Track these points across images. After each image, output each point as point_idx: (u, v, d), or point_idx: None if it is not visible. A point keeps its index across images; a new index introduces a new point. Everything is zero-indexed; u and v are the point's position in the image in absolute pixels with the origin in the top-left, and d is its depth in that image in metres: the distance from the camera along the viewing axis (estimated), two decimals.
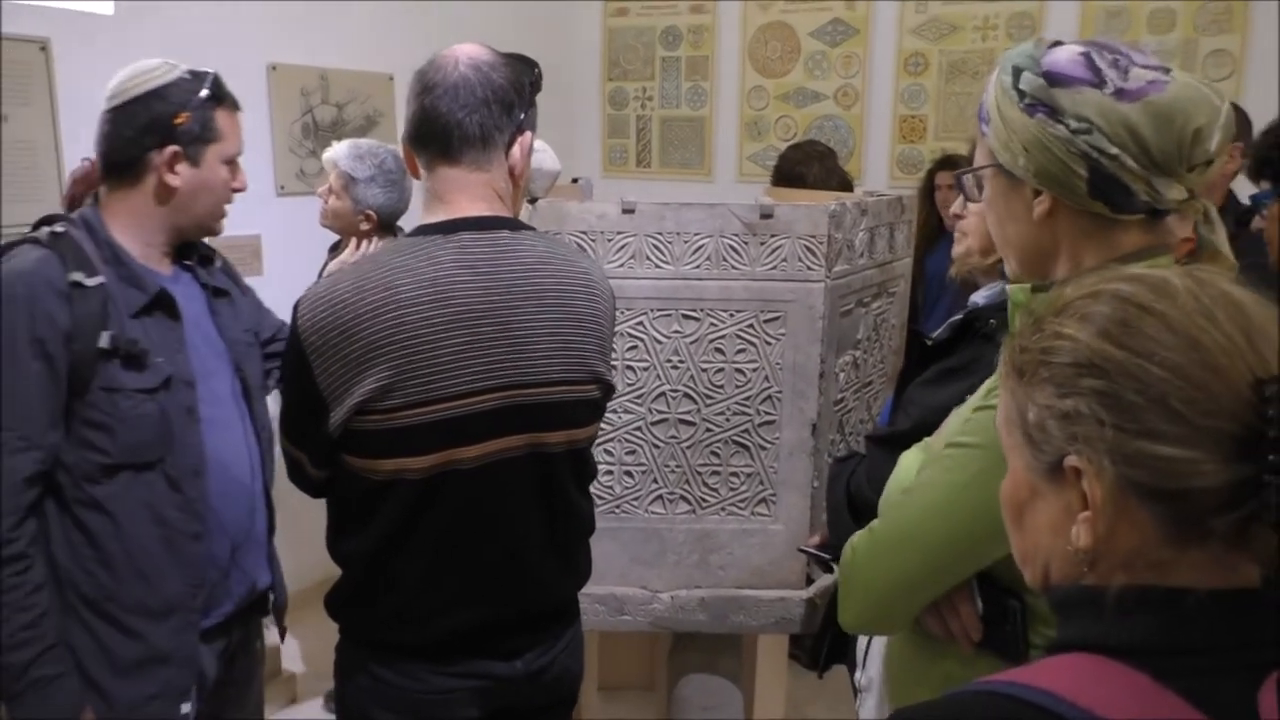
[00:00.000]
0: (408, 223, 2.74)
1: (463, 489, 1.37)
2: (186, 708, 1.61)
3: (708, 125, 5.03)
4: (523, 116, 1.41)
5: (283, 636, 1.89)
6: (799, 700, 3.10)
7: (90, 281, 1.49)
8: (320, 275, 2.70)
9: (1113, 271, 0.78)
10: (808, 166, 3.28)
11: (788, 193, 3.05)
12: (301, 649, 3.43)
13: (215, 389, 1.65)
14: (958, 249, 1.64)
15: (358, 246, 2.59)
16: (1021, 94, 1.09)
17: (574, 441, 1.45)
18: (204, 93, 1.58)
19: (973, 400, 1.21)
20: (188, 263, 1.71)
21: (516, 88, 1.39)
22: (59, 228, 1.54)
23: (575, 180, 3.03)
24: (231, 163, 1.65)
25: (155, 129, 1.55)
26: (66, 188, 2.23)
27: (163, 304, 1.58)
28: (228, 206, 1.70)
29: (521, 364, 1.36)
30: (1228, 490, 0.67)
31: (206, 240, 1.77)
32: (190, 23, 3.19)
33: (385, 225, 2.65)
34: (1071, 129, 1.06)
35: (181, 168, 1.57)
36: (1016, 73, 1.10)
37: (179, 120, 1.55)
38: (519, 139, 1.40)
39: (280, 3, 3.53)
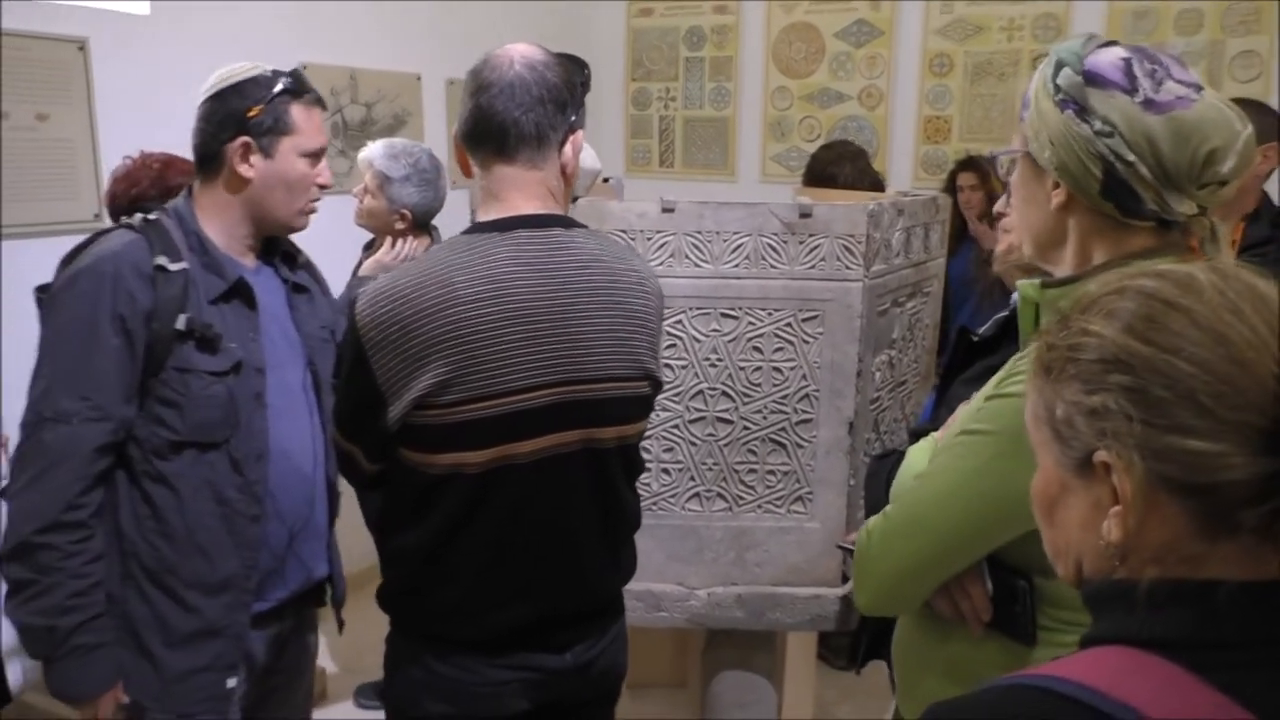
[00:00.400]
0: (440, 222, 2.77)
1: (518, 484, 1.38)
2: (233, 682, 1.65)
3: (731, 126, 5.04)
4: (574, 116, 1.42)
5: (341, 629, 1.92)
6: (827, 701, 3.11)
7: (173, 266, 1.54)
8: (354, 274, 2.72)
9: (1138, 268, 0.79)
10: (839, 167, 3.28)
11: (819, 193, 3.05)
12: (329, 645, 3.45)
13: (286, 380, 1.69)
14: (1000, 246, 1.65)
15: (392, 245, 2.62)
16: (1058, 88, 1.14)
17: (625, 437, 1.46)
18: (278, 87, 1.61)
19: (985, 389, 1.24)
20: (273, 259, 1.75)
21: (569, 87, 1.40)
22: (152, 215, 1.61)
23: (606, 180, 3.04)
24: (312, 157, 1.67)
25: (230, 122, 1.59)
26: (107, 185, 2.27)
27: (240, 292, 1.62)
28: (315, 204, 1.72)
29: (575, 360, 1.37)
30: (1257, 483, 0.68)
31: None
32: (223, 22, 3.22)
33: (420, 224, 2.67)
34: (1095, 130, 1.10)
35: (255, 159, 1.61)
36: (1059, 67, 1.15)
37: (252, 113, 1.59)
38: (571, 138, 1.42)
39: (311, 3, 3.56)
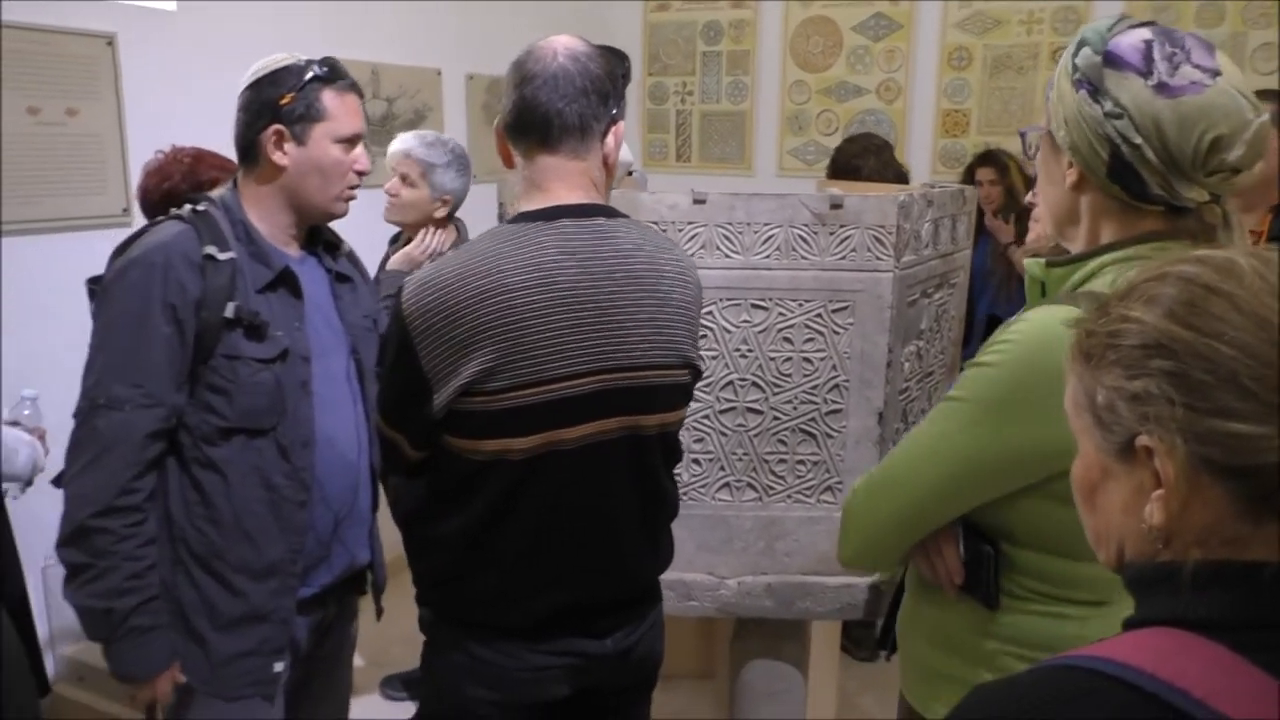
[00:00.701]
0: (466, 215, 2.78)
1: (562, 471, 1.40)
2: (279, 666, 1.67)
3: (748, 120, 5.05)
4: (616, 108, 1.44)
5: (379, 615, 1.94)
6: (849, 692, 3.12)
7: (222, 256, 1.57)
8: (381, 268, 2.73)
9: (1178, 254, 0.80)
10: (864, 159, 3.29)
11: (844, 185, 3.06)
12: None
13: (331, 368, 1.71)
14: (1030, 235, 1.67)
15: (422, 239, 2.63)
16: (1076, 67, 1.15)
17: (666, 425, 1.48)
18: (310, 74, 1.62)
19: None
20: (316, 248, 1.77)
21: (611, 78, 1.42)
22: (201, 206, 1.63)
23: (630, 173, 3.06)
24: (347, 142, 1.67)
25: (264, 111, 1.61)
26: (139, 179, 2.29)
27: (286, 281, 1.64)
28: (355, 190, 1.72)
29: (618, 348, 1.39)
30: None
31: None
32: (248, 19, 3.25)
33: (450, 213, 2.69)
34: (1105, 111, 1.11)
35: (288, 146, 1.62)
36: (1080, 46, 1.16)
37: (284, 100, 1.60)
38: (613, 129, 1.44)
39: (335, 0, 3.59)
